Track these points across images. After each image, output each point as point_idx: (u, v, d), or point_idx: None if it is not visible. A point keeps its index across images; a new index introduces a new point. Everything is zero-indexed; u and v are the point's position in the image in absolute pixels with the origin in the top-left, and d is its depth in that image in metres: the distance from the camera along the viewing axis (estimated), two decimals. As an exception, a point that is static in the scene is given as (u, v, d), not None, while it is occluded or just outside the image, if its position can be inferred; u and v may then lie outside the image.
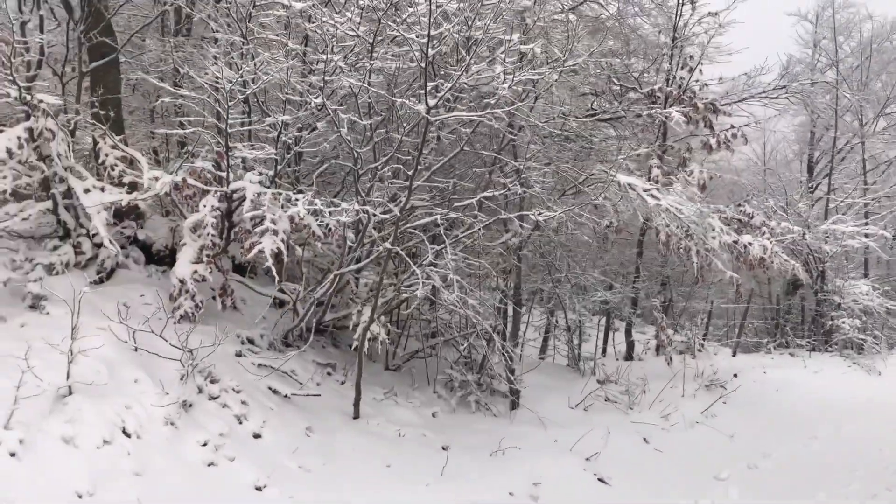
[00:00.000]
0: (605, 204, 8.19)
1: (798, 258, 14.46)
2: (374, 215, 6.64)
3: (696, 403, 9.56)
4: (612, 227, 10.43)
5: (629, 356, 11.64)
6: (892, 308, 15.63)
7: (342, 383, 7.95)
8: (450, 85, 6.19)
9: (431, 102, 6.05)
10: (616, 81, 11.00)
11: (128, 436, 5.18)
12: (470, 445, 7.21)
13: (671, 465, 7.61)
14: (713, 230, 9.24)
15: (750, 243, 9.52)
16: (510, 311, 9.00)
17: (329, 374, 8.00)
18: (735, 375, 11.24)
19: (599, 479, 6.79)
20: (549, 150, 8.04)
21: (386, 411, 7.61)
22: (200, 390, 6.05)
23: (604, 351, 11.86)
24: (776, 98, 10.88)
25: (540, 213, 6.94)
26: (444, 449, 6.97)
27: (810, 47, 18.91)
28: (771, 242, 9.58)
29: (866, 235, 15.10)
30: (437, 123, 6.71)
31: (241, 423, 6.11)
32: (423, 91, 6.02)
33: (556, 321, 10.23)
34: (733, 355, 14.08)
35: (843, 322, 14.43)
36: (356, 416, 7.06)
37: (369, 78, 6.54)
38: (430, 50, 5.91)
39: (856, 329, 14.45)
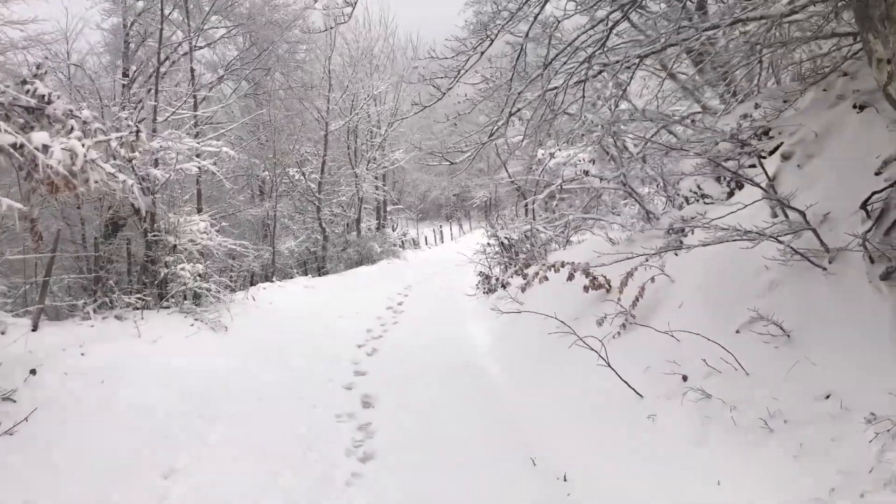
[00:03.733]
0: None
1: (136, 193, 10.69)
2: None
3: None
4: None
5: None
6: (233, 247, 13.37)
7: None
8: None
9: None
10: None
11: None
12: None
13: None
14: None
15: (47, 146, 5.21)
16: None
17: None
18: (33, 372, 6.84)
19: None
20: None
21: None
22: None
23: None
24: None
25: None
26: None
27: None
28: (86, 145, 5.48)
29: (198, 155, 12.27)
30: None
31: None
32: None
33: None
34: (34, 329, 9.45)
35: (183, 269, 11.34)
36: None
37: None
38: None
39: (197, 276, 11.56)
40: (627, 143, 11.58)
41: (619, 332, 6.13)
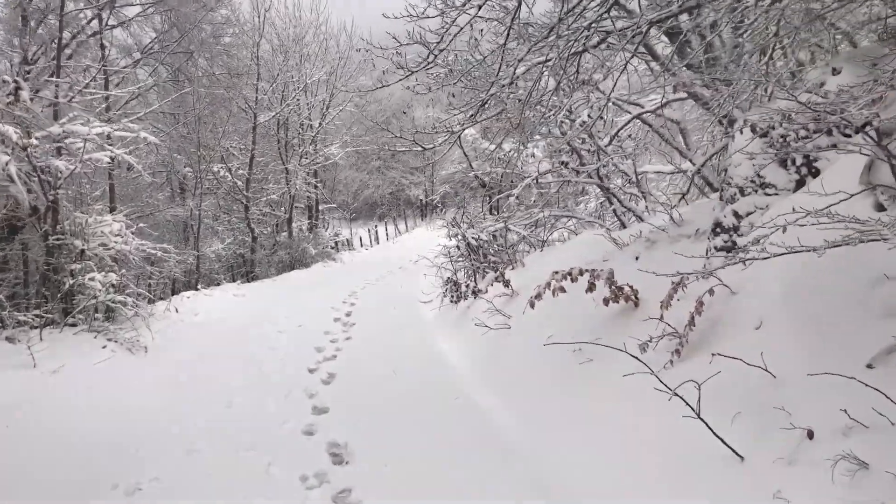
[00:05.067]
0: None
1: (16, 182, 8.83)
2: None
3: None
4: None
5: None
6: (152, 251, 11.52)
7: None
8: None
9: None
10: None
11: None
12: None
13: None
14: None
15: None
16: None
17: None
18: None
19: None
20: None
21: None
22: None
23: None
24: None
25: None
26: None
27: None
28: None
29: (111, 143, 10.34)
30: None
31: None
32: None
33: None
34: None
35: (93, 278, 9.44)
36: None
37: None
38: None
39: (110, 287, 9.69)
40: (597, 137, 10.42)
41: (671, 361, 4.78)
